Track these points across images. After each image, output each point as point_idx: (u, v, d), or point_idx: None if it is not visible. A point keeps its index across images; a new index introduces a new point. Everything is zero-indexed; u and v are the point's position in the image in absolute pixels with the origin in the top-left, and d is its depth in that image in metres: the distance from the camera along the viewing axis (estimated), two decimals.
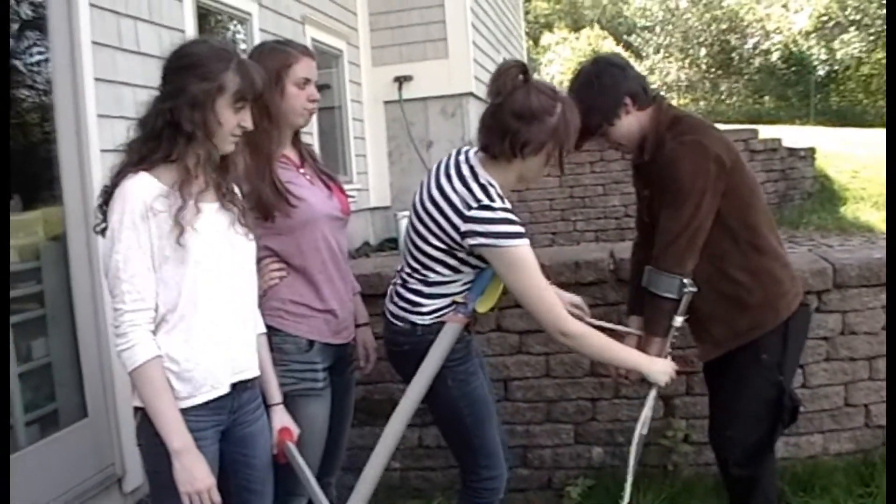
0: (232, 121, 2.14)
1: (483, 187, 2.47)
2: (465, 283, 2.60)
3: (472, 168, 2.53)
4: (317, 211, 2.60)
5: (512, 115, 2.44)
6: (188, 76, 2.08)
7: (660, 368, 2.65)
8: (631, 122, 2.76)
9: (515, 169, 2.53)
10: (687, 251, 2.64)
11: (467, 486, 2.75)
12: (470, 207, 2.45)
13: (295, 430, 2.47)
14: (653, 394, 2.77)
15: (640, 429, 2.80)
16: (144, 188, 2.05)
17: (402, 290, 2.66)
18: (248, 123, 2.18)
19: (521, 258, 2.44)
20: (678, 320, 2.69)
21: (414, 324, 2.62)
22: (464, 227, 2.45)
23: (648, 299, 2.73)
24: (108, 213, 2.07)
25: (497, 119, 2.48)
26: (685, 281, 2.63)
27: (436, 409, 2.78)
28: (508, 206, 2.49)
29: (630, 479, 2.83)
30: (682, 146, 2.65)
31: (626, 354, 2.67)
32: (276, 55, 2.54)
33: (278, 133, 2.57)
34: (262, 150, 2.50)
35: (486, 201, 2.44)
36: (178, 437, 2.07)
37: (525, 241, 2.44)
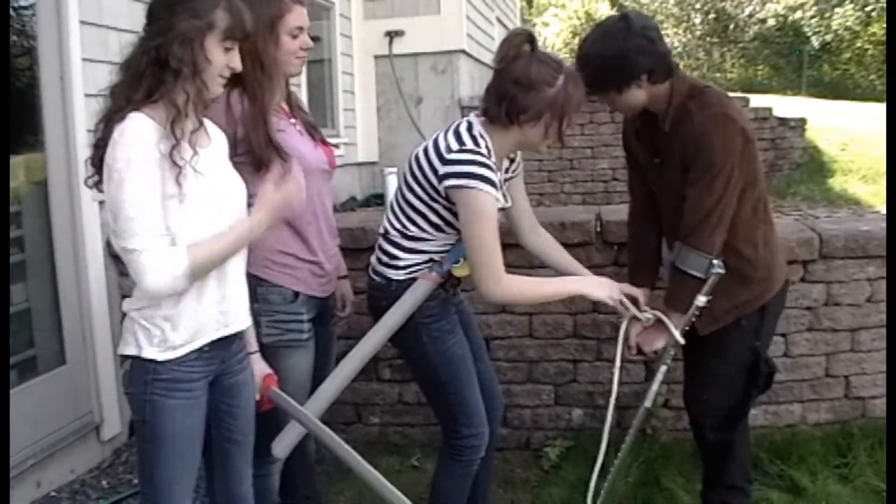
0: (221, 60, 2.08)
1: (474, 138, 2.48)
2: (444, 244, 2.60)
3: (470, 124, 2.53)
4: (308, 163, 2.59)
5: (511, 82, 2.43)
6: (178, 13, 2.01)
7: (603, 289, 2.60)
8: (637, 95, 2.65)
9: (513, 136, 2.52)
10: (717, 227, 2.58)
11: (448, 444, 2.76)
12: (451, 151, 2.46)
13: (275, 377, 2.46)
14: (662, 369, 2.77)
15: (646, 402, 2.82)
16: (147, 129, 1.98)
17: (383, 243, 2.67)
18: (237, 64, 2.13)
19: (486, 208, 2.42)
20: (701, 300, 2.63)
21: (389, 279, 2.62)
22: (442, 169, 2.45)
23: (674, 274, 2.68)
24: (108, 161, 1.97)
25: (497, 84, 2.48)
26: (714, 262, 2.58)
27: (412, 365, 2.81)
28: (493, 161, 2.48)
29: (626, 448, 2.88)
30: (712, 119, 2.56)
31: (561, 286, 2.65)
32: (269, 4, 2.48)
33: (271, 83, 2.53)
34: (256, 101, 2.48)
35: (469, 146, 2.45)
36: (256, 215, 2.16)
37: (495, 194, 2.43)
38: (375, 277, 2.68)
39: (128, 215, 1.94)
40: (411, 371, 2.84)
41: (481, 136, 2.49)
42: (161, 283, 1.97)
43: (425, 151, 2.55)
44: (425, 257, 2.60)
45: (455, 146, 2.46)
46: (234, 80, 2.22)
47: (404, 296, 2.57)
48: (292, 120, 2.67)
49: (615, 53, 2.57)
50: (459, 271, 2.61)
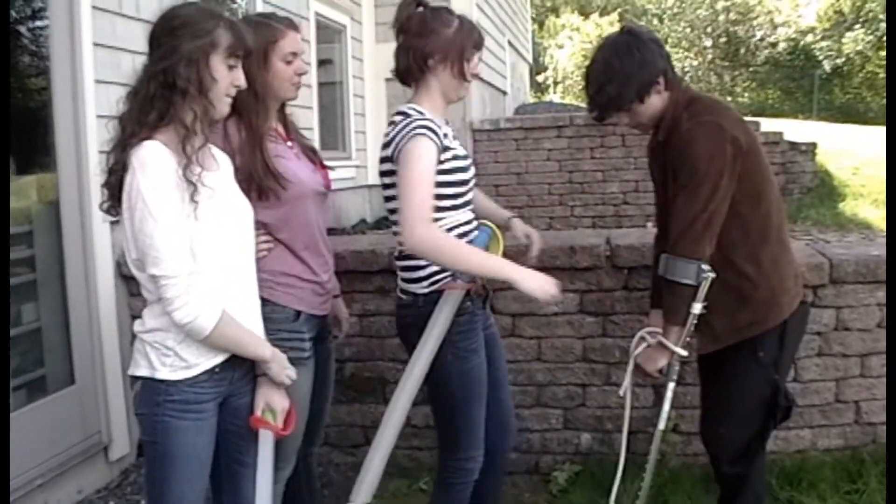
0: (226, 78, 2.12)
1: (403, 113, 2.58)
2: (451, 225, 2.60)
3: (397, 111, 2.64)
4: (306, 187, 2.62)
5: (414, 36, 2.60)
6: (180, 36, 2.05)
7: (538, 283, 2.44)
8: (656, 102, 2.69)
9: (433, 88, 2.63)
10: (704, 235, 2.55)
11: (444, 465, 2.76)
12: (387, 135, 2.57)
13: (282, 405, 2.40)
14: (671, 386, 2.75)
15: (659, 425, 2.81)
16: (165, 156, 2.01)
17: (400, 261, 2.68)
18: (242, 81, 2.17)
19: (419, 150, 2.45)
20: (697, 307, 2.60)
21: (415, 294, 2.62)
22: (390, 151, 2.54)
23: (665, 287, 2.65)
24: (130, 190, 2.00)
25: (401, 45, 2.65)
26: (703, 266, 2.55)
27: (430, 381, 2.74)
28: (430, 118, 2.55)
29: (648, 479, 2.91)
30: (698, 126, 2.57)
31: (492, 263, 2.48)
32: (262, 31, 2.51)
33: (266, 109, 2.58)
34: (252, 128, 2.51)
35: (401, 115, 2.56)
36: (265, 348, 2.24)
37: (433, 139, 2.47)
38: (402, 296, 2.69)
39: (158, 245, 1.98)
40: (426, 386, 2.82)
41: (410, 109, 2.58)
42: (190, 318, 2.04)
43: (381, 161, 2.64)
44: None
45: (389, 130, 2.56)
46: (230, 109, 2.24)
47: (434, 314, 2.54)
48: (289, 143, 2.69)
49: (635, 63, 2.64)
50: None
